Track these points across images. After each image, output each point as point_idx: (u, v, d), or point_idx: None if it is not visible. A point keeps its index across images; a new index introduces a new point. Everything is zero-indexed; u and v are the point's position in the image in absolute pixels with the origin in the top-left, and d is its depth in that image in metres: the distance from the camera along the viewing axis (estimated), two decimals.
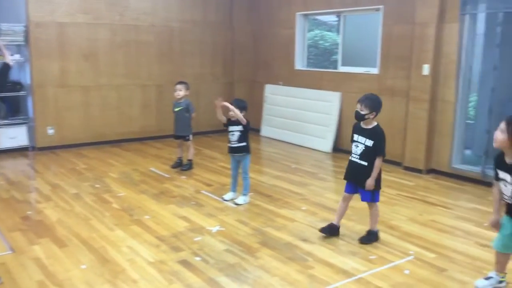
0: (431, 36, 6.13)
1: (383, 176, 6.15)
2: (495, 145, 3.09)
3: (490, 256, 3.56)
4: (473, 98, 7.10)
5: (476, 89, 6.97)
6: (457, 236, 4.35)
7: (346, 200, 4.28)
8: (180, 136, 6.47)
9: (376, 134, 4.01)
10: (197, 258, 3.77)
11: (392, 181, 6.05)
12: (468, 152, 6.69)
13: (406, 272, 3.59)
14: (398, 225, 4.56)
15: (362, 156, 4.04)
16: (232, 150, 5.13)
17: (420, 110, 6.38)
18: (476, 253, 3.94)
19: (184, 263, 3.69)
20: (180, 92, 6.33)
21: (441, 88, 6.27)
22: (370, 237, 4.16)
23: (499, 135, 3.03)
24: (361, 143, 4.05)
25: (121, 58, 7.99)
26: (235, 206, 5.06)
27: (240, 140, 5.06)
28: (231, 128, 5.09)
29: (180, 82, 6.43)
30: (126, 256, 3.81)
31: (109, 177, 6.10)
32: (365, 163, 4.02)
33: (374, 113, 4.00)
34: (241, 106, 5.10)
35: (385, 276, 3.53)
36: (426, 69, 6.24)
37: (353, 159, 4.13)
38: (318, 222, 4.60)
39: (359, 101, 4.04)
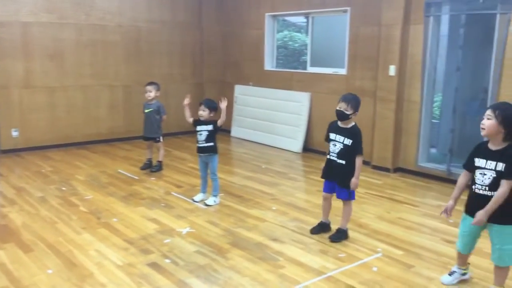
0: (397, 37, 6.26)
1: None
2: (483, 133, 3.07)
3: (455, 252, 3.64)
4: (438, 98, 7.29)
5: (440, 89, 7.15)
6: (424, 233, 4.45)
7: (327, 199, 4.33)
8: (150, 138, 6.40)
9: (355, 133, 4.05)
10: (167, 260, 3.74)
11: (360, 180, 6.05)
12: (433, 150, 6.85)
13: (374, 269, 3.65)
14: (366, 223, 4.63)
15: (340, 155, 4.07)
16: (200, 150, 5.12)
17: (387, 110, 6.50)
18: (442, 249, 4.04)
19: (154, 265, 3.65)
20: (151, 93, 6.25)
21: (407, 88, 6.40)
22: (340, 235, 4.20)
23: (487, 122, 3.03)
24: (339, 142, 4.08)
25: (88, 58, 7.85)
26: (205, 207, 5.03)
27: (207, 140, 5.05)
28: (199, 128, 5.10)
29: (151, 83, 6.34)
30: (94, 259, 3.74)
31: (76, 179, 5.98)
32: (343, 162, 4.06)
33: (356, 113, 4.06)
34: (212, 107, 5.11)
35: (354, 273, 3.58)
36: (392, 70, 6.36)
37: (331, 157, 4.15)
38: (289, 222, 4.62)
39: (344, 101, 4.01)
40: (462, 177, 3.29)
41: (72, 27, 7.62)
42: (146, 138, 6.44)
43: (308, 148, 7.77)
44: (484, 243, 4.02)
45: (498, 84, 5.44)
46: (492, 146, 3.08)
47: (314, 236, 4.28)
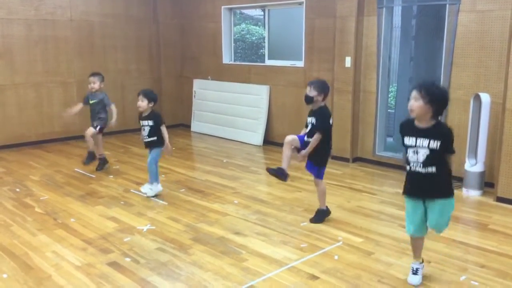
0: (352, 29, 6.35)
1: None
2: (412, 114, 3.07)
3: (409, 241, 3.74)
4: (393, 88, 7.46)
5: (395, 79, 7.32)
6: (382, 220, 4.56)
7: (288, 144, 4.33)
8: (92, 125, 6.10)
9: (319, 113, 4.20)
10: (127, 259, 3.67)
11: None
12: (390, 139, 7.02)
13: (336, 257, 3.71)
14: None
15: (308, 134, 4.27)
16: (145, 145, 5.16)
17: (344, 101, 6.60)
18: (400, 236, 4.14)
19: (114, 264, 3.58)
20: (95, 84, 6.06)
21: (363, 79, 6.52)
22: (320, 216, 4.39)
23: (414, 103, 3.00)
24: (309, 122, 4.27)
25: (39, 54, 7.58)
26: (152, 198, 4.97)
27: (150, 134, 5.07)
28: (141, 122, 5.13)
29: (94, 74, 6.13)
30: (51, 261, 3.63)
31: (31, 180, 5.78)
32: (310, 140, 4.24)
33: (322, 95, 4.16)
34: (150, 98, 5.05)
35: (315, 263, 3.62)
36: (348, 61, 6.45)
37: (306, 138, 4.29)
38: (251, 215, 4.63)
39: (308, 85, 4.21)
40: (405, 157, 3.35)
41: (20, 23, 7.33)
42: (93, 125, 6.13)
43: (268, 141, 7.80)
44: None
45: (449, 73, 5.61)
46: (420, 124, 3.07)
47: (277, 228, 4.30)
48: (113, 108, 6.13)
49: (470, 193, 5.27)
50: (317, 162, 4.29)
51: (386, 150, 6.61)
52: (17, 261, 3.64)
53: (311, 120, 4.25)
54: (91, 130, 6.04)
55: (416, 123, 3.08)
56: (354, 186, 5.63)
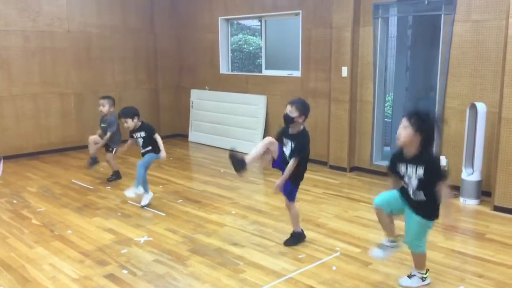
0: (348, 39, 6.39)
1: (310, 175, 6.35)
2: (398, 142, 3.08)
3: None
4: (389, 97, 7.49)
5: (391, 88, 7.36)
6: (380, 230, 4.49)
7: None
8: (108, 147, 6.16)
9: (299, 138, 3.99)
10: (124, 271, 3.66)
11: (318, 180, 6.23)
12: (387, 148, 7.03)
13: (334, 268, 3.70)
14: (325, 223, 4.69)
15: (290, 156, 4.04)
16: (142, 155, 5.21)
17: (341, 111, 6.62)
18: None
19: (111, 277, 3.56)
20: (103, 108, 6.06)
21: (360, 89, 6.55)
22: (294, 239, 4.17)
23: (403, 131, 3.02)
24: (288, 145, 4.06)
25: (36, 66, 7.59)
26: (164, 214, 4.96)
27: (144, 145, 5.14)
28: (134, 135, 5.20)
29: (103, 97, 6.15)
30: (48, 274, 3.62)
31: (28, 191, 5.77)
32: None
33: (303, 116, 3.96)
34: (133, 114, 5.14)
35: (313, 274, 3.61)
36: (345, 71, 6.48)
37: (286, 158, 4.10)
38: (248, 225, 4.63)
39: (289, 104, 3.98)
40: (391, 182, 3.37)
41: (18, 34, 7.36)
42: (106, 148, 6.19)
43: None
44: (436, 236, 4.17)
45: (445, 82, 5.65)
46: (408, 154, 3.09)
47: (275, 238, 4.29)
48: (108, 134, 6.02)
49: (467, 202, 5.27)
50: (292, 181, 4.07)
51: (383, 159, 6.62)
52: (13, 273, 3.63)
53: (290, 144, 4.01)
54: (109, 156, 6.14)
55: (405, 151, 3.11)
56: (351, 195, 5.63)
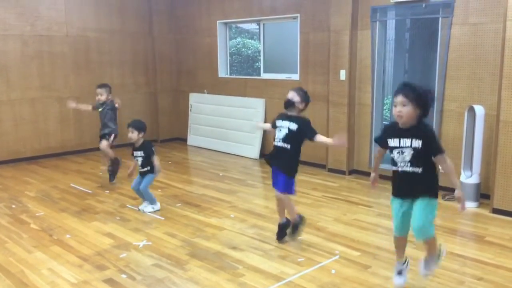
0: (346, 42, 6.40)
1: (309, 179, 6.35)
2: (402, 121, 3.00)
3: (410, 250, 3.74)
4: (388, 100, 7.50)
5: (390, 91, 7.36)
6: (379, 233, 4.55)
7: (280, 202, 4.23)
8: (104, 134, 6.13)
9: (299, 118, 4.02)
10: (123, 276, 3.65)
11: (317, 184, 6.23)
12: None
13: (333, 271, 3.70)
14: (324, 226, 4.69)
15: (285, 139, 4.01)
16: (139, 174, 5.23)
17: (339, 114, 6.62)
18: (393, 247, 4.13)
19: (110, 281, 3.56)
20: (102, 96, 6.09)
21: (358, 92, 6.56)
22: (296, 229, 4.22)
23: (403, 109, 2.95)
24: (284, 127, 4.04)
25: (35, 70, 7.59)
26: (163, 218, 4.96)
27: (143, 165, 5.16)
28: (134, 153, 5.21)
29: (101, 85, 6.17)
30: (47, 279, 3.61)
31: (26, 196, 5.76)
32: (287, 146, 4.01)
33: (303, 104, 4.03)
34: (140, 128, 5.15)
35: (313, 277, 3.61)
36: (343, 74, 6.49)
37: (275, 143, 4.10)
38: (248, 229, 4.62)
39: (291, 90, 4.07)
40: (377, 151, 3.47)
41: (16, 39, 7.36)
42: (101, 137, 6.16)
43: (265, 154, 7.79)
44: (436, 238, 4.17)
45: (443, 85, 5.66)
46: (403, 126, 3.06)
47: (274, 242, 4.29)
48: (119, 103, 6.15)
49: (466, 205, 5.26)
50: (291, 173, 4.07)
51: (383, 162, 6.60)
52: (12, 278, 3.62)
53: (288, 124, 3.99)
54: (104, 143, 6.09)
55: (400, 125, 3.08)
56: (350, 199, 5.63)
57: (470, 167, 5.29)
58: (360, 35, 6.40)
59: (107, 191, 5.94)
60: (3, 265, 3.85)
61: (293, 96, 4.04)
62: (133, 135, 5.12)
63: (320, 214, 5.05)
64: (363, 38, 6.37)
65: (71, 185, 6.24)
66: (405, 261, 3.43)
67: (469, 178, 5.26)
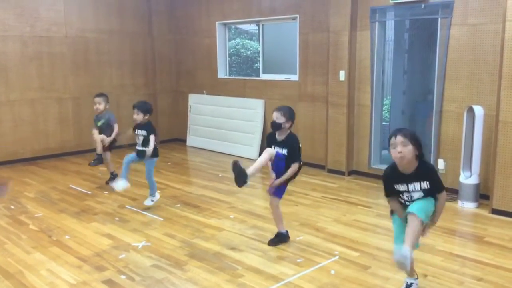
0: (345, 43, 6.40)
1: (309, 179, 6.35)
2: (403, 162, 2.98)
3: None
4: (387, 101, 7.50)
5: (389, 92, 7.37)
6: (379, 234, 4.55)
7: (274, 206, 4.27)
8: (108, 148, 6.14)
9: (290, 144, 4.06)
10: (123, 276, 3.64)
11: (317, 184, 6.23)
12: (385, 152, 7.02)
13: (332, 272, 3.69)
14: (323, 227, 4.69)
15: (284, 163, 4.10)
16: (137, 153, 5.21)
17: (339, 115, 6.62)
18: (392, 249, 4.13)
19: (109, 282, 3.55)
20: (100, 106, 6.06)
21: (357, 92, 6.56)
22: (278, 239, 4.21)
23: (404, 149, 2.94)
24: (278, 151, 4.10)
25: (34, 71, 7.59)
26: (162, 219, 4.95)
27: (143, 144, 5.16)
28: (137, 131, 5.23)
29: (99, 95, 6.16)
30: (46, 279, 3.60)
31: (25, 197, 5.75)
32: (283, 164, 4.09)
33: (290, 122, 4.06)
34: (146, 109, 5.16)
35: (312, 278, 3.61)
36: (342, 75, 6.49)
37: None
38: (247, 230, 4.62)
39: (275, 111, 4.08)
40: (392, 201, 3.23)
41: (16, 39, 7.36)
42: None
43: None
44: (434, 240, 4.18)
45: (442, 86, 5.66)
46: (405, 171, 3.05)
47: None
48: (116, 127, 6.08)
49: (465, 206, 5.27)
50: (286, 182, 4.16)
51: (382, 163, 6.62)
52: (11, 279, 3.61)
53: (281, 150, 4.08)
54: (108, 155, 6.13)
55: (401, 169, 3.06)
56: (349, 199, 5.63)
57: (469, 167, 5.29)
58: (360, 36, 6.40)
59: (106, 192, 5.93)
60: (2, 266, 3.84)
61: (277, 117, 4.03)
62: (138, 117, 5.12)
63: (320, 215, 5.05)
64: (363, 38, 6.37)
65: (70, 186, 6.23)
66: (417, 277, 3.37)
67: (469, 178, 5.26)
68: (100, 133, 6.12)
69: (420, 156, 3.04)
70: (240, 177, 3.89)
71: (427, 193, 3.06)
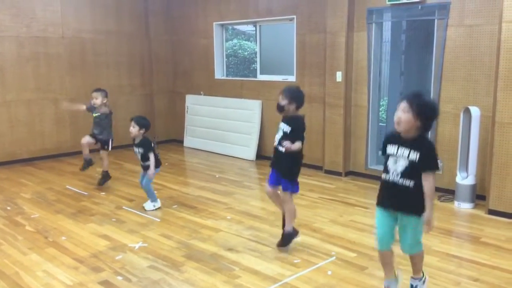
0: (342, 44, 6.41)
1: (306, 180, 6.35)
2: (399, 128, 2.90)
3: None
4: (384, 102, 7.51)
5: (386, 93, 7.38)
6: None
7: (272, 196, 4.19)
8: (100, 139, 6.10)
9: (293, 121, 3.94)
10: (119, 278, 3.63)
11: (314, 185, 6.23)
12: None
13: (329, 273, 3.70)
14: (320, 228, 4.69)
15: (280, 141, 3.96)
16: (142, 168, 5.28)
17: (336, 116, 6.63)
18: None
19: (105, 283, 3.54)
20: (97, 100, 6.03)
21: (354, 93, 6.57)
22: (286, 239, 4.12)
23: (403, 115, 2.86)
24: (280, 129, 4.02)
25: (30, 71, 7.57)
26: (159, 220, 4.94)
27: (143, 160, 5.20)
28: (134, 149, 5.26)
29: (97, 90, 6.11)
30: (42, 281, 3.59)
31: (22, 198, 5.73)
32: (283, 149, 3.92)
33: (294, 103, 3.91)
34: (142, 124, 5.18)
35: (309, 278, 3.61)
36: (339, 76, 6.50)
37: (275, 144, 4.07)
38: (244, 231, 4.61)
39: (280, 93, 3.98)
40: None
41: (12, 40, 7.34)
42: (94, 137, 6.11)
43: (261, 156, 7.80)
44: (430, 240, 4.18)
45: (439, 87, 5.67)
46: (404, 136, 2.94)
47: (270, 243, 4.28)
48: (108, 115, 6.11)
49: (461, 206, 5.28)
50: (291, 176, 4.03)
51: (378, 163, 6.62)
52: (7, 280, 3.60)
53: (284, 127, 3.96)
54: (104, 153, 6.14)
55: (402, 134, 2.97)
56: (347, 200, 5.63)
57: (465, 168, 5.31)
58: (356, 37, 6.41)
59: (103, 193, 5.92)
60: None
61: (280, 99, 3.94)
62: (134, 130, 5.13)
63: (317, 216, 5.05)
64: (359, 39, 6.38)
65: (67, 186, 6.21)
66: (395, 277, 3.25)
67: (465, 179, 5.27)
68: (95, 126, 6.10)
69: (426, 127, 2.90)
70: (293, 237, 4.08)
71: (411, 168, 2.89)
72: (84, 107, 6.23)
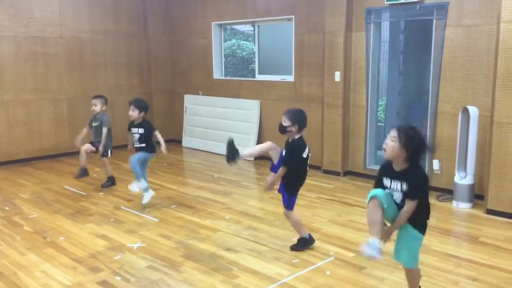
0: (340, 44, 6.41)
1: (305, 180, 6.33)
2: (385, 154, 2.95)
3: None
4: (382, 102, 7.52)
5: (384, 93, 7.39)
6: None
7: None
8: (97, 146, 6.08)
9: (288, 147, 4.00)
10: (118, 278, 3.63)
11: (312, 185, 6.22)
12: (380, 153, 7.03)
13: (328, 272, 3.70)
14: (319, 227, 4.69)
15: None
16: (136, 150, 5.27)
17: (334, 116, 6.63)
18: (391, 250, 4.12)
19: (104, 283, 3.54)
20: (96, 107, 6.04)
21: (353, 93, 6.57)
22: (300, 245, 4.13)
23: (389, 143, 2.90)
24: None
25: (28, 71, 7.56)
26: (153, 219, 4.94)
27: (141, 141, 5.21)
28: (133, 130, 5.27)
29: (96, 96, 6.12)
30: (40, 281, 3.59)
31: (20, 198, 5.72)
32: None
33: (296, 125, 3.92)
34: (142, 107, 5.20)
35: (307, 278, 3.61)
36: (337, 76, 6.50)
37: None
38: (242, 230, 4.61)
39: (283, 114, 3.99)
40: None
41: (10, 40, 7.33)
42: (94, 144, 6.08)
43: (259, 156, 7.78)
44: (430, 240, 4.18)
45: (437, 86, 5.68)
46: (395, 167, 2.98)
47: (269, 243, 4.28)
48: (104, 131, 6.00)
49: (460, 206, 5.29)
50: (287, 188, 4.05)
51: (377, 163, 6.63)
52: (5, 281, 3.59)
53: (283, 152, 4.04)
54: (106, 160, 6.11)
55: (393, 165, 2.99)
56: (345, 200, 5.63)
57: (464, 168, 5.31)
58: (355, 37, 6.41)
59: (101, 193, 5.91)
60: None
61: (283, 120, 3.96)
62: (134, 113, 5.16)
63: (315, 215, 5.05)
64: (358, 39, 6.38)
65: (65, 187, 6.21)
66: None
67: (463, 179, 5.28)
68: (94, 134, 6.09)
69: (413, 159, 2.92)
70: (231, 155, 3.96)
71: (404, 197, 2.93)
72: (85, 129, 6.19)
